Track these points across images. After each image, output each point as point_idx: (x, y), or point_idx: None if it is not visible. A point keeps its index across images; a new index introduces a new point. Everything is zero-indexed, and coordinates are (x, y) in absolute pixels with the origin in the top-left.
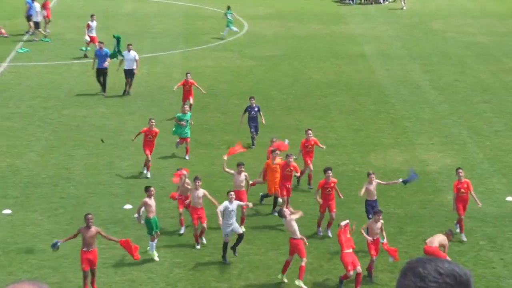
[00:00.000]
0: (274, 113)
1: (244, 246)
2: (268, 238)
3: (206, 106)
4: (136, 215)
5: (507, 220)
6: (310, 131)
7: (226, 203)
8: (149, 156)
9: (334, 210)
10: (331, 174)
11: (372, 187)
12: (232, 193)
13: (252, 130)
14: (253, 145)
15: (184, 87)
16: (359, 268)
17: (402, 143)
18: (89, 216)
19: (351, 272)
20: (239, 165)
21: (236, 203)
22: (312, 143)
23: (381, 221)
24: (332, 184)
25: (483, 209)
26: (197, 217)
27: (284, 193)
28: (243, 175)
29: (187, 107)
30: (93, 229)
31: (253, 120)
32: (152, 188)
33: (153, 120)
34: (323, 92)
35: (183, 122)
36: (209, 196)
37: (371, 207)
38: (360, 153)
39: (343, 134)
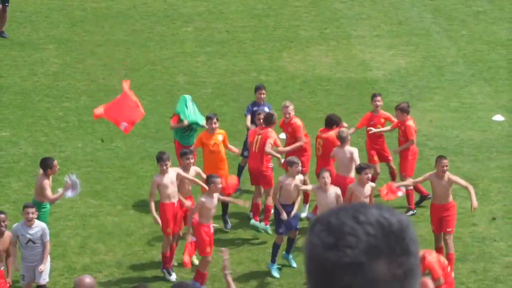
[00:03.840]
0: None
1: None
2: None
3: None
4: None
5: (494, 151)
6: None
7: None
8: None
9: None
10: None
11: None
12: None
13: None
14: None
15: None
16: None
17: (331, 36)
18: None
19: None
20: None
21: None
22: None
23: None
24: None
25: (458, 135)
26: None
27: None
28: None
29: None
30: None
31: None
32: None
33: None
34: None
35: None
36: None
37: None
38: (267, 52)
39: (238, 23)
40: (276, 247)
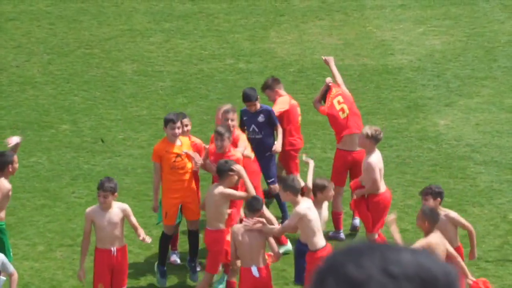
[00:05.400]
0: None
1: None
2: None
3: None
4: None
5: None
6: None
7: None
8: None
9: None
10: None
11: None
12: None
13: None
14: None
15: None
16: None
17: (337, 7)
18: None
19: None
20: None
21: None
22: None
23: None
24: None
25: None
26: None
27: None
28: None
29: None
30: None
31: (257, 145)
32: None
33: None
34: None
35: None
36: None
37: None
38: (247, 30)
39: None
40: None
